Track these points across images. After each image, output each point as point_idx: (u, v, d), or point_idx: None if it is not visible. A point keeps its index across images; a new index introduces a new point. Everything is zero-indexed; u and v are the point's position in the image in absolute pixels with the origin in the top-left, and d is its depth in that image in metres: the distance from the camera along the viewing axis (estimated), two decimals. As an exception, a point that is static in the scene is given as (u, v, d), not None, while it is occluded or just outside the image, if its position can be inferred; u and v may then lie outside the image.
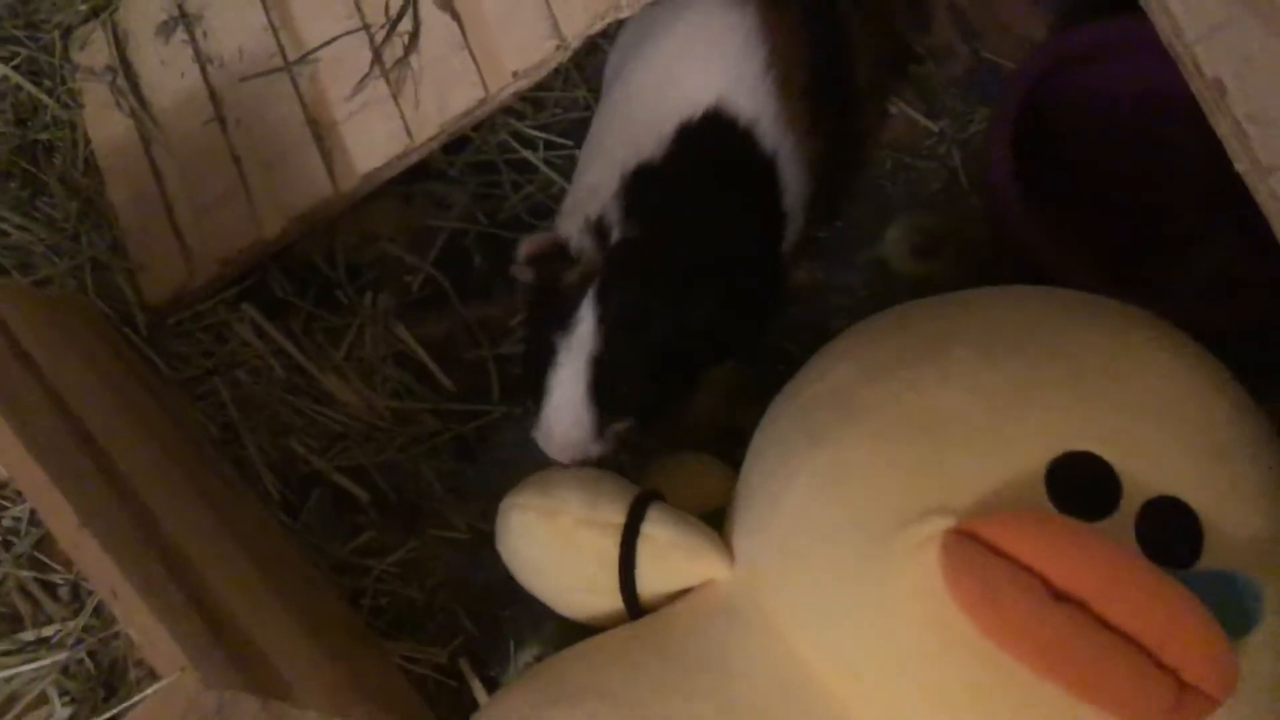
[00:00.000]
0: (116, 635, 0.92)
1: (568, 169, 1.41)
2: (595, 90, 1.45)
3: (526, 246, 1.18)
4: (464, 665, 1.27)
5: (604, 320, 1.13)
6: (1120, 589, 0.86)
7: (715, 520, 1.11)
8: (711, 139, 1.18)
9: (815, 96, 1.23)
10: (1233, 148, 0.99)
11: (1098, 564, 0.86)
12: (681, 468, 1.23)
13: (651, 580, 1.07)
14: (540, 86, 1.46)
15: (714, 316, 1.15)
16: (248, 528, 1.22)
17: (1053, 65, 1.38)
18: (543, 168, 1.44)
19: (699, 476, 1.21)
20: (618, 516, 1.08)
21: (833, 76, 1.27)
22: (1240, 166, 0.99)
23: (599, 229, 1.17)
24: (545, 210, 1.42)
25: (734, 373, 1.33)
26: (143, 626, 0.89)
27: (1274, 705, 0.94)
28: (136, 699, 0.88)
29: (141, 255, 1.36)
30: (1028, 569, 0.87)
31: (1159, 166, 1.41)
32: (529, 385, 1.19)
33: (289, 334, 1.37)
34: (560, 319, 1.13)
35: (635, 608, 1.09)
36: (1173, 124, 1.25)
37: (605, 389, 1.14)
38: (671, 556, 1.06)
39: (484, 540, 1.25)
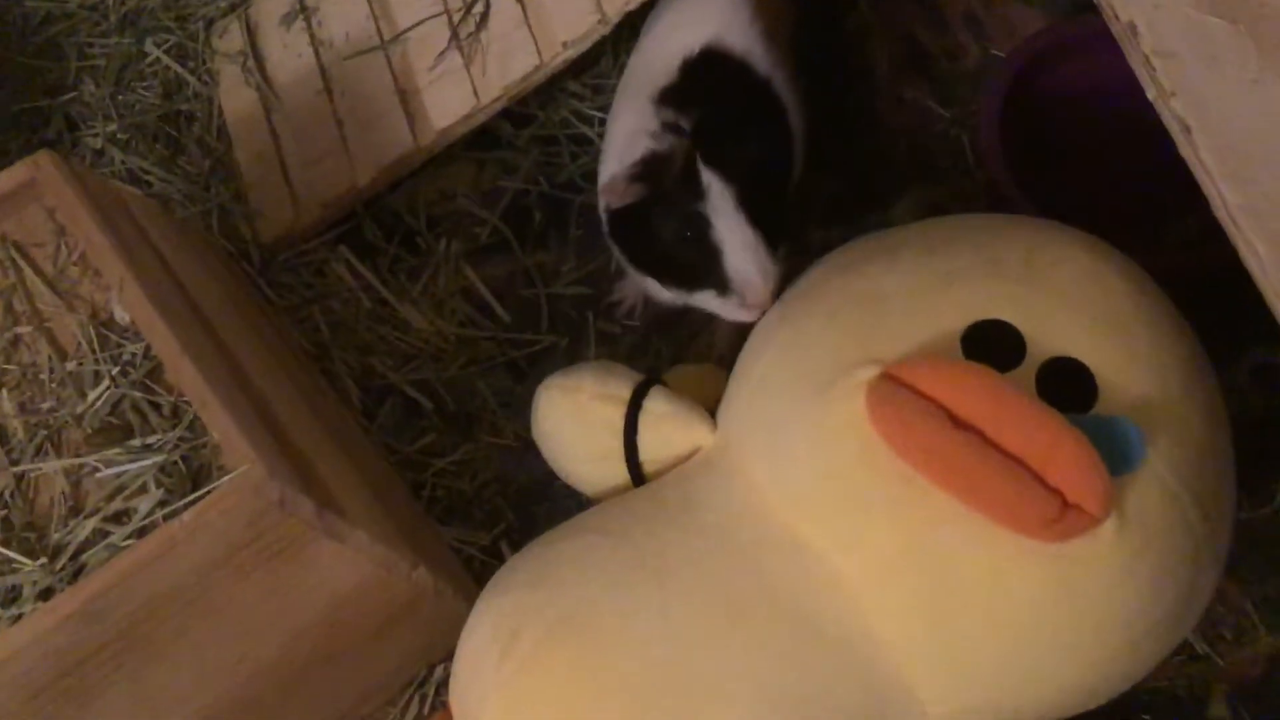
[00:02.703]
0: (205, 445, 1.15)
1: (619, 144, 1.64)
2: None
3: (622, 176, 1.35)
4: (504, 548, 1.48)
5: (725, 167, 1.30)
6: (1008, 417, 1.02)
7: (715, 415, 1.31)
8: (711, 66, 1.42)
9: (801, 47, 1.47)
10: (1144, 78, 1.17)
11: (989, 396, 1.03)
12: (691, 372, 1.43)
13: (650, 446, 1.26)
14: (599, 75, 1.72)
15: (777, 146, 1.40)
16: (328, 415, 1.45)
17: (1041, 53, 1.56)
18: (597, 141, 1.67)
19: (706, 378, 1.40)
20: (624, 392, 1.28)
21: (818, 35, 1.51)
22: (1150, 94, 1.17)
23: (674, 127, 1.37)
24: (594, 176, 1.64)
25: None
26: (224, 431, 1.12)
27: (1160, 539, 1.09)
28: (214, 485, 1.11)
29: (259, 202, 1.63)
30: (934, 401, 1.04)
31: (1143, 143, 1.57)
32: (683, 273, 1.35)
33: (376, 271, 1.62)
34: (688, 197, 1.31)
35: (638, 474, 1.28)
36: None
37: (760, 217, 1.32)
38: (666, 426, 1.26)
39: (528, 447, 1.43)
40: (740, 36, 1.43)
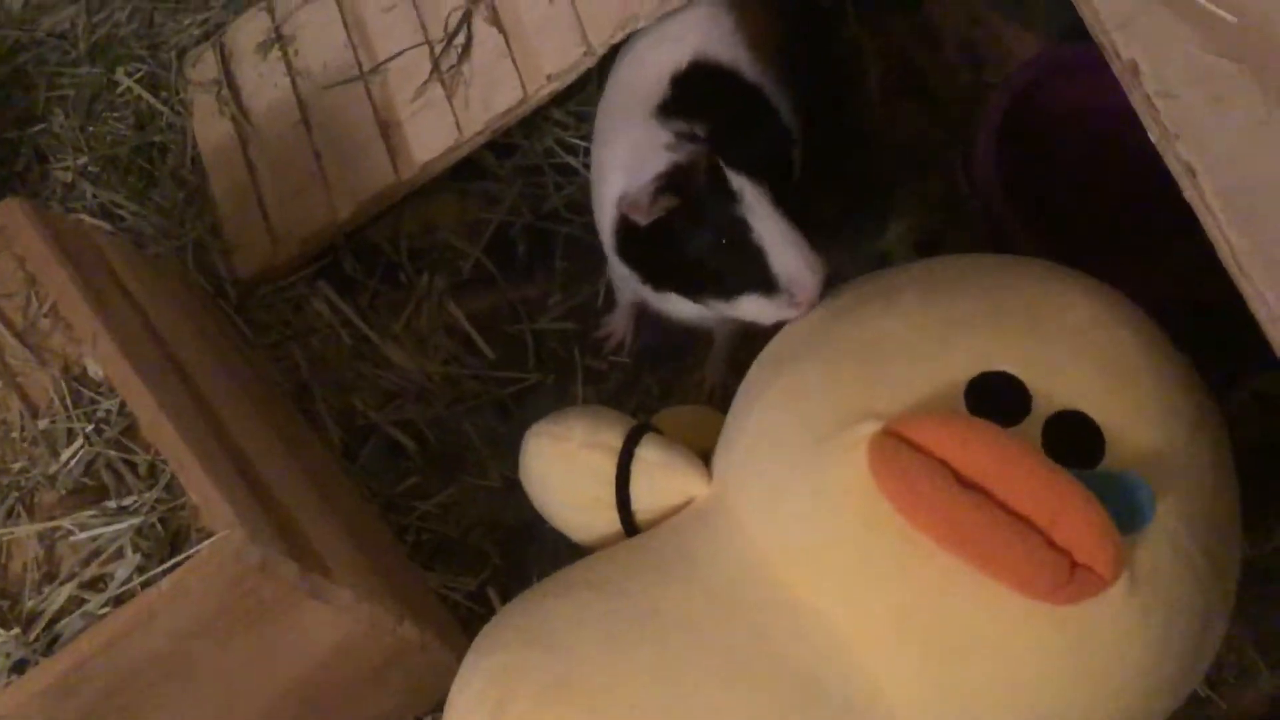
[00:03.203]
0: (183, 506, 1.11)
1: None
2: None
3: (647, 190, 1.30)
4: (491, 594, 1.44)
5: (751, 168, 1.28)
6: (1015, 477, 1.00)
7: (708, 459, 1.28)
8: (704, 77, 1.40)
9: (790, 61, 1.45)
10: (1146, 119, 1.14)
11: (995, 455, 1.00)
12: (684, 414, 1.39)
13: (643, 496, 1.23)
14: (583, 103, 1.68)
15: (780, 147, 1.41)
16: (310, 459, 1.41)
17: (1038, 78, 1.53)
18: (582, 170, 1.63)
19: (699, 421, 1.36)
20: (616, 441, 1.24)
21: (807, 50, 1.50)
22: (1153, 136, 1.14)
23: (689, 135, 1.35)
24: (579, 207, 1.61)
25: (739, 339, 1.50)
26: (202, 492, 1.08)
27: (1170, 596, 1.06)
28: (193, 550, 1.07)
29: (235, 237, 1.59)
30: (938, 460, 1.01)
31: (1143, 168, 1.54)
32: (722, 280, 1.30)
33: (356, 307, 1.59)
34: (721, 202, 1.27)
35: (630, 524, 1.25)
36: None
37: (795, 212, 1.29)
38: (659, 475, 1.22)
39: (514, 489, 1.39)
40: (726, 47, 1.41)
